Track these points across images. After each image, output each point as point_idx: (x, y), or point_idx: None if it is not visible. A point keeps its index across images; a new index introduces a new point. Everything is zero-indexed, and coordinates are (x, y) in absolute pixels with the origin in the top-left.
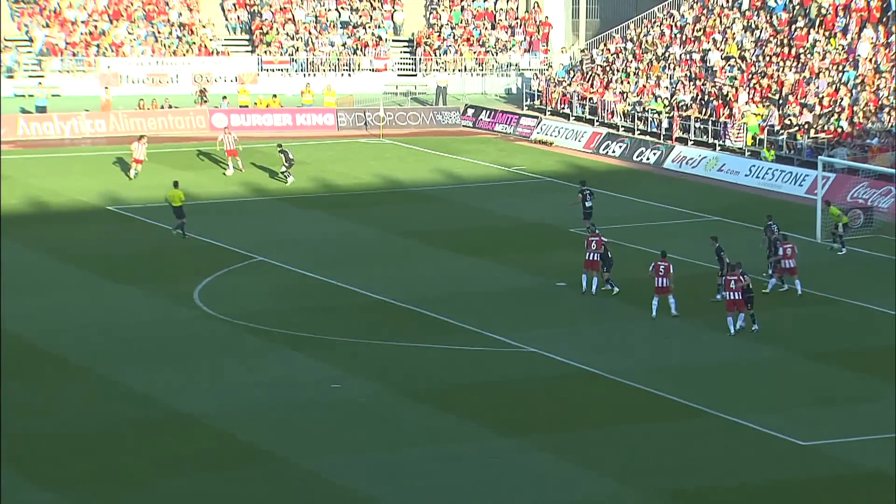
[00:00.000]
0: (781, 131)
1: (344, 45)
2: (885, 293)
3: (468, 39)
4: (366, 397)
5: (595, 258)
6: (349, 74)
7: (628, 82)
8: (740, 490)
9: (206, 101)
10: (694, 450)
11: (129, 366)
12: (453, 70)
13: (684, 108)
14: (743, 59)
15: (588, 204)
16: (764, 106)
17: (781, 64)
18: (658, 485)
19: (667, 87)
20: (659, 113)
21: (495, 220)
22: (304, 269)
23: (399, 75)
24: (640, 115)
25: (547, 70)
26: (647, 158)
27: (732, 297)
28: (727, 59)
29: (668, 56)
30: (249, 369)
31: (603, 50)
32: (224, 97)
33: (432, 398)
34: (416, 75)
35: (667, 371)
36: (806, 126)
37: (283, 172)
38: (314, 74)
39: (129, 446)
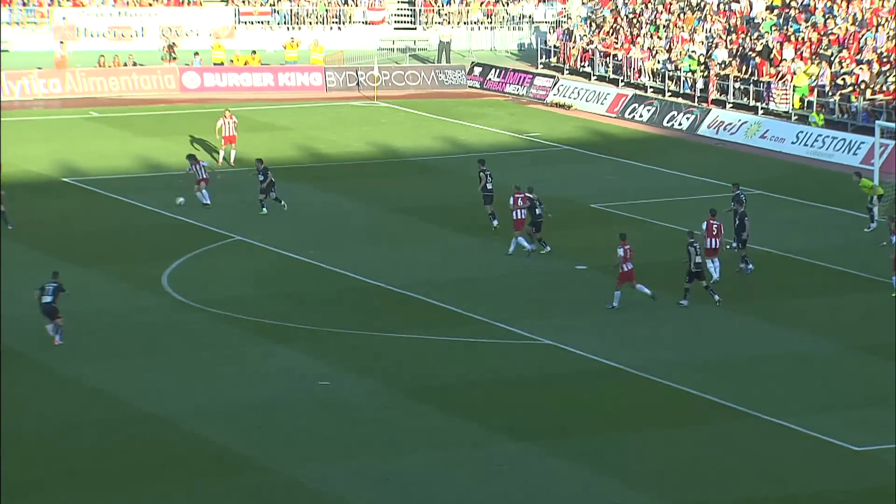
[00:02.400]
0: (833, 92)
1: None
2: None
3: None
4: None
5: (521, 216)
6: (339, 28)
7: (658, 36)
8: (785, 501)
9: (175, 59)
10: (732, 456)
11: (90, 360)
12: (458, 23)
13: (722, 66)
14: (789, 7)
15: (489, 186)
16: (813, 63)
17: (833, 13)
18: (692, 496)
19: (702, 42)
20: (693, 72)
21: (506, 195)
22: (288, 249)
23: (396, 29)
24: (671, 74)
25: (565, 22)
26: (680, 124)
27: (626, 269)
28: (771, 9)
29: (704, 6)
30: (225, 364)
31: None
32: (196, 53)
33: (434, 397)
34: (415, 29)
35: (701, 366)
36: (861, 86)
37: (272, 198)
38: (299, 27)
39: (91, 451)
